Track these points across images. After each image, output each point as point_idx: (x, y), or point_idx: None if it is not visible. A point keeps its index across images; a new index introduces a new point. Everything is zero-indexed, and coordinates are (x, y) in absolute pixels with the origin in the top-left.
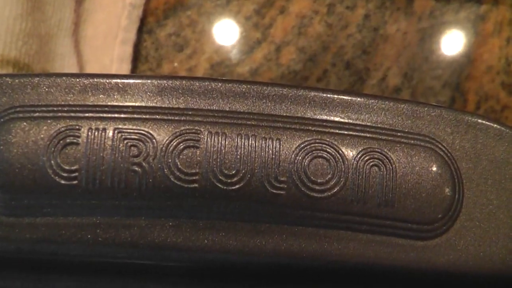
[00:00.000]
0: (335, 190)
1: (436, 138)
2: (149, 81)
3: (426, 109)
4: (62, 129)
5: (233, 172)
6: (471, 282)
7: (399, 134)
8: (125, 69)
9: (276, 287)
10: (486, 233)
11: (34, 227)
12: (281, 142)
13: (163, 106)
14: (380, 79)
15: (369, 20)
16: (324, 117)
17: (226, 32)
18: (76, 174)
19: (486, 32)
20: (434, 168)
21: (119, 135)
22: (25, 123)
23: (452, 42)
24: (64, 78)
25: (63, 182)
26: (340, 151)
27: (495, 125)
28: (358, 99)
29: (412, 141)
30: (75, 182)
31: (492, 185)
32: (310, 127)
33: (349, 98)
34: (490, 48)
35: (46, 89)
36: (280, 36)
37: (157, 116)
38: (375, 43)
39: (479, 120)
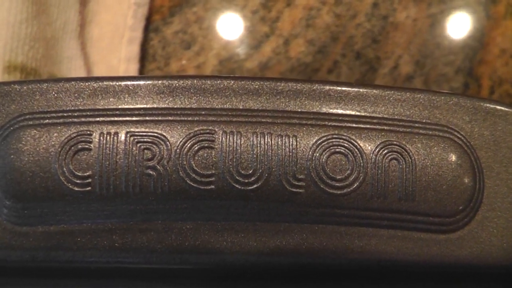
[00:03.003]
0: (354, 186)
1: (454, 127)
2: (159, 81)
3: (442, 98)
4: (73, 135)
5: (250, 171)
6: (495, 274)
7: (416, 125)
8: (133, 68)
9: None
10: (509, 223)
11: (49, 235)
12: (297, 139)
13: (175, 107)
14: (392, 68)
15: (378, 8)
16: (340, 111)
17: (233, 27)
18: (90, 180)
19: (498, 15)
20: (454, 159)
21: (132, 138)
22: (35, 131)
23: (464, 27)
24: (73, 82)
25: (76, 189)
26: (358, 146)
27: None
28: (374, 91)
29: (430, 132)
30: (88, 188)
31: None
32: (326, 122)
33: (364, 90)
34: (503, 31)
35: (55, 95)
36: (288, 29)
37: (170, 118)
38: (385, 31)
39: (497, 107)
